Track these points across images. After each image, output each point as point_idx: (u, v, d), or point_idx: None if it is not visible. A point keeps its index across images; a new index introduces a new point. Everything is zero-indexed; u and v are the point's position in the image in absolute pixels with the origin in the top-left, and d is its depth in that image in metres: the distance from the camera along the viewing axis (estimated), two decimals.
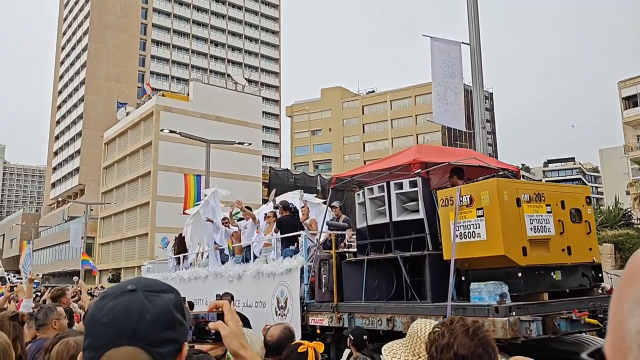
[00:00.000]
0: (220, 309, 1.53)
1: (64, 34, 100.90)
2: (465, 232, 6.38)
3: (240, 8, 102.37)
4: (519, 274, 6.06)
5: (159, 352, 1.12)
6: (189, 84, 64.99)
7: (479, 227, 6.22)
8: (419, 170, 7.27)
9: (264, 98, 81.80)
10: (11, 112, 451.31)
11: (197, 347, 1.92)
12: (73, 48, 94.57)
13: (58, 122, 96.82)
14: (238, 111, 60.05)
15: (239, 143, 30.62)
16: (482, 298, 5.99)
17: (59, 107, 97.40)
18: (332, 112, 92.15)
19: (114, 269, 61.62)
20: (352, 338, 6.86)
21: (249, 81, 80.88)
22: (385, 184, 7.52)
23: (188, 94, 61.02)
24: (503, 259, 6.05)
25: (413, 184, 7.27)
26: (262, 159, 68.15)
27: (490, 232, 6.10)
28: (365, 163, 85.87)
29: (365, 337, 7.02)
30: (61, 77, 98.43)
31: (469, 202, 6.35)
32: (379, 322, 7.12)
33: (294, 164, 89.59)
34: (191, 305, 10.47)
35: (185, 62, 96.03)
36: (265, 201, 53.74)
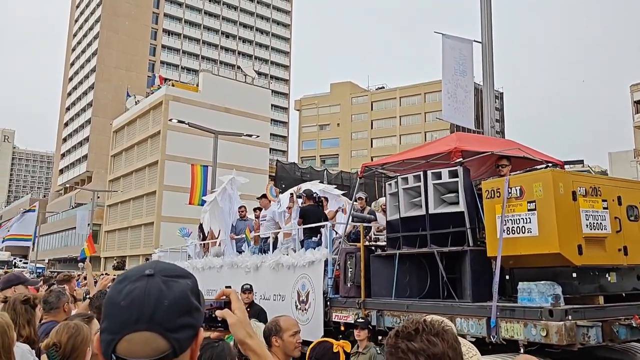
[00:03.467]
0: (227, 297, 1.52)
1: (76, 21, 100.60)
2: (513, 227, 5.85)
3: (252, 0, 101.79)
4: (574, 275, 5.54)
5: (176, 337, 1.11)
6: (199, 74, 64.54)
7: (530, 222, 5.69)
8: (460, 159, 6.74)
9: (273, 91, 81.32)
10: (21, 97, 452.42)
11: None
12: (85, 35, 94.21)
13: (68, 109, 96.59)
14: (247, 103, 59.61)
15: (246, 135, 30.50)
16: (532, 299, 5.47)
17: (69, 93, 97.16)
18: (340, 107, 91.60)
19: (119, 257, 61.39)
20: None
21: (259, 74, 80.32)
22: (421, 173, 6.99)
23: (197, 85, 60.58)
24: (556, 258, 5.52)
25: (453, 174, 6.74)
26: (270, 152, 67.68)
27: (544, 228, 5.57)
28: (372, 159, 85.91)
29: None
30: (72, 64, 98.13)
31: (518, 194, 5.82)
32: None
33: (301, 157, 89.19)
34: None
35: (196, 53, 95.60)
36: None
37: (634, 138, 52.90)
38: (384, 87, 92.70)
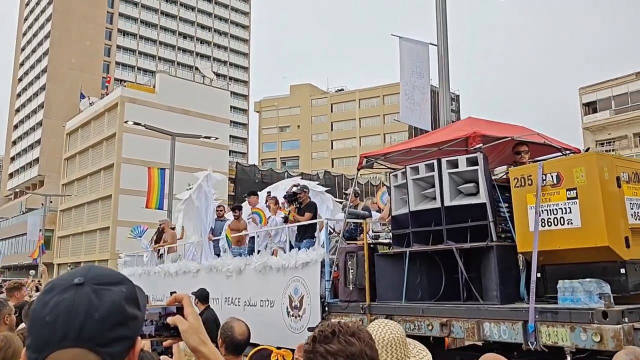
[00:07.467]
0: (180, 303, 1.44)
1: (25, 19, 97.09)
2: (549, 219, 5.20)
3: (210, 0, 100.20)
4: (622, 270, 4.91)
5: (108, 352, 1.04)
6: (156, 75, 62.86)
7: (570, 212, 5.05)
8: (480, 144, 6.05)
9: (232, 92, 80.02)
10: None
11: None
12: (35, 35, 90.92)
13: (17, 111, 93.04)
14: (205, 105, 58.34)
15: (205, 137, 29.79)
16: (577, 299, 4.82)
17: (19, 95, 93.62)
18: (300, 109, 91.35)
19: (73, 263, 59.08)
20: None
21: (217, 75, 79.05)
22: (435, 161, 6.27)
23: (154, 86, 58.94)
24: (603, 252, 4.89)
25: (472, 162, 6.04)
26: (229, 154, 66.55)
27: (588, 218, 4.93)
28: (332, 161, 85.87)
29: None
30: (22, 64, 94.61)
31: (555, 182, 5.17)
32: (429, 327, 5.89)
33: (262, 160, 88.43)
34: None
35: (153, 54, 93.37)
36: (231, 197, 52.18)
37: (583, 139, 54.19)
38: (343, 90, 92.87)
